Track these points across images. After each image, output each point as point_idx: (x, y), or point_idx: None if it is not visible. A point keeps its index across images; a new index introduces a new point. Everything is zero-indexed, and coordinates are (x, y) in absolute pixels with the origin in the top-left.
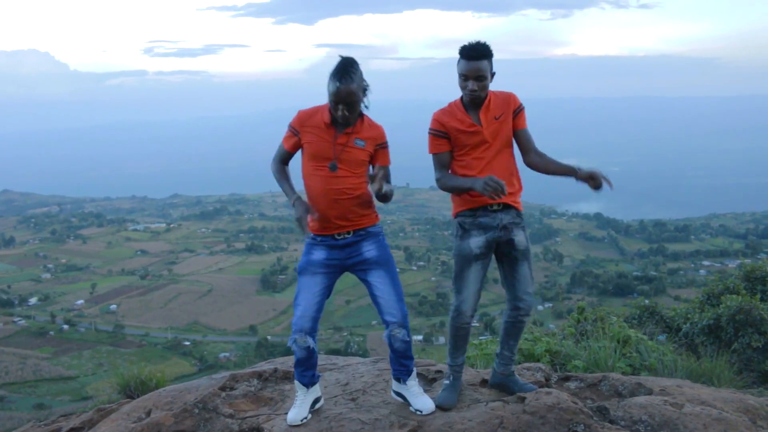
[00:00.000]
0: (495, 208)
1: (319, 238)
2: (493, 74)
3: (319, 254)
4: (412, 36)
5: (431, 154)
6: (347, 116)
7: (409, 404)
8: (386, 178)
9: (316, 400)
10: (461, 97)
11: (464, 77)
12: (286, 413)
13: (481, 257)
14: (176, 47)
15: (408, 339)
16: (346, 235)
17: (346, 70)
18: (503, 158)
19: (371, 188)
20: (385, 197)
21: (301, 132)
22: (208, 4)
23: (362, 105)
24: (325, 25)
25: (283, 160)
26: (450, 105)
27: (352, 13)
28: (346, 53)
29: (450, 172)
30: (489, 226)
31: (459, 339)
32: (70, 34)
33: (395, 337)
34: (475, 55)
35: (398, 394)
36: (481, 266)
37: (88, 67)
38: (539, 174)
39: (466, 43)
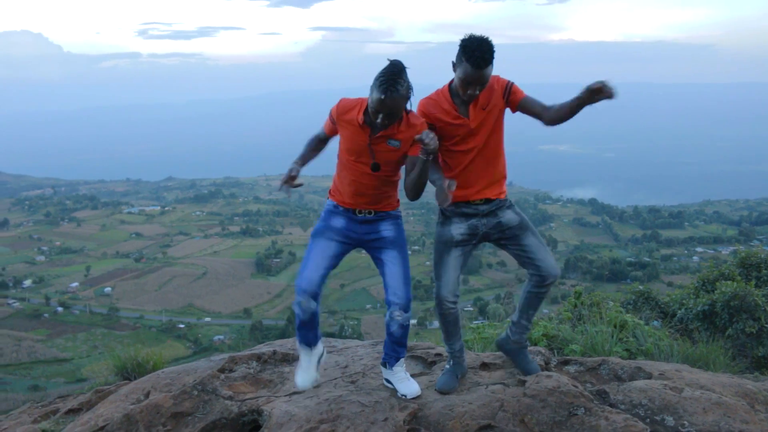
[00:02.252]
0: (477, 201)
1: (341, 209)
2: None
3: (338, 222)
4: (408, 19)
5: None
6: (386, 125)
7: (395, 389)
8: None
9: (320, 356)
10: (449, 85)
11: (466, 82)
12: (287, 395)
13: (462, 243)
14: (170, 29)
15: (407, 324)
16: (367, 214)
17: (394, 80)
18: (491, 146)
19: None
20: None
21: (338, 122)
22: None
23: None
24: (321, 8)
25: (322, 140)
26: (437, 93)
27: None
28: (342, 37)
29: (436, 161)
30: (471, 215)
31: (449, 325)
32: (63, 16)
33: (395, 320)
34: (484, 63)
35: (388, 381)
36: (461, 253)
37: (82, 49)
38: (533, 160)
39: (473, 42)
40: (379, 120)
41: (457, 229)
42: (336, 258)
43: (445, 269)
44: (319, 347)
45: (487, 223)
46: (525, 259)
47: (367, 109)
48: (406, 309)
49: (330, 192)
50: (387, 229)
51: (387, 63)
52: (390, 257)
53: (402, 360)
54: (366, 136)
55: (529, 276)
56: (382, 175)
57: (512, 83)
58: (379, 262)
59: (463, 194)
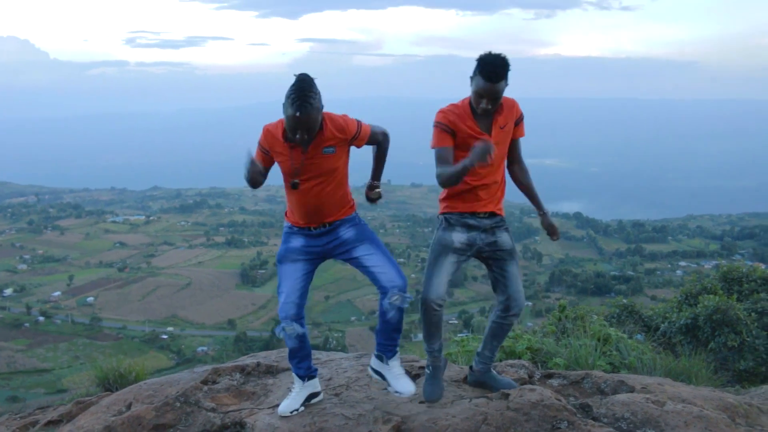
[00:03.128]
0: (482, 214)
1: (295, 228)
2: (506, 85)
3: (297, 241)
4: (395, 32)
5: (434, 149)
6: (306, 139)
7: (388, 385)
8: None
9: (314, 395)
10: (469, 100)
11: (479, 95)
12: (270, 407)
13: (459, 251)
14: (158, 38)
15: (404, 307)
16: (322, 228)
17: (305, 95)
18: (501, 164)
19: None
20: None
21: (270, 151)
22: None
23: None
24: (309, 20)
25: (262, 173)
26: (459, 107)
27: (337, 8)
28: (330, 48)
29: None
30: (473, 227)
31: (431, 326)
32: (50, 22)
33: (393, 304)
34: (496, 78)
35: (377, 372)
36: (456, 260)
37: (69, 56)
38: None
39: (488, 56)
40: (298, 136)
41: (459, 237)
42: (307, 276)
43: (437, 271)
44: (315, 385)
45: (485, 239)
46: (500, 284)
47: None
48: (403, 290)
49: (285, 214)
50: (346, 232)
51: (294, 79)
52: (363, 251)
53: (398, 354)
54: (300, 153)
55: (497, 303)
56: (323, 185)
57: (523, 117)
58: (354, 261)
59: (472, 206)
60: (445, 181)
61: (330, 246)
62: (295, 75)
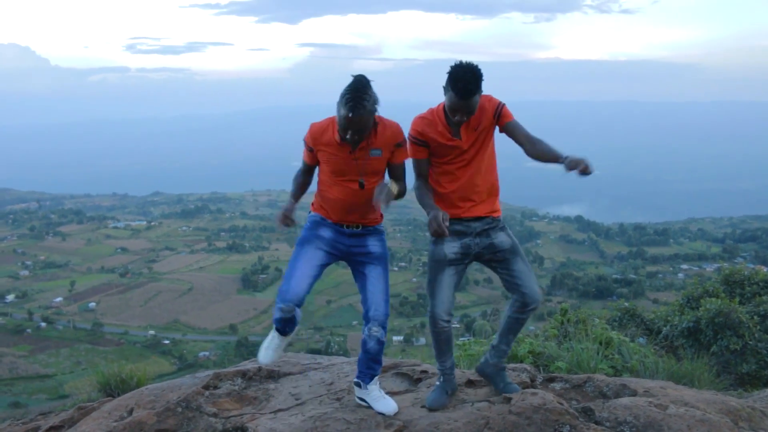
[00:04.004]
0: (469, 219)
1: (328, 221)
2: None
3: (327, 232)
4: (395, 37)
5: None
6: (357, 140)
7: (372, 408)
8: (401, 177)
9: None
10: (443, 105)
11: (453, 110)
12: (272, 412)
13: (455, 262)
14: (159, 44)
15: (383, 340)
16: (355, 228)
17: (360, 96)
18: (482, 164)
19: (377, 202)
20: (398, 196)
21: (315, 149)
22: (191, 2)
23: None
24: (309, 25)
25: (306, 171)
26: (431, 113)
27: (336, 12)
28: (330, 53)
29: (429, 180)
30: (463, 233)
31: (441, 343)
32: (51, 29)
33: (372, 335)
34: (468, 94)
35: (362, 399)
36: (455, 271)
37: (70, 63)
38: (520, 177)
39: (458, 71)
40: (349, 137)
41: (450, 248)
42: (322, 267)
43: (439, 288)
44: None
45: (480, 243)
46: (511, 284)
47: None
48: (383, 325)
49: (313, 206)
50: (374, 245)
51: (351, 79)
52: (375, 273)
53: (376, 378)
54: (347, 152)
55: (512, 300)
56: (369, 189)
57: (503, 105)
58: (361, 276)
59: (455, 212)
60: (418, 200)
61: (354, 250)
62: (352, 76)
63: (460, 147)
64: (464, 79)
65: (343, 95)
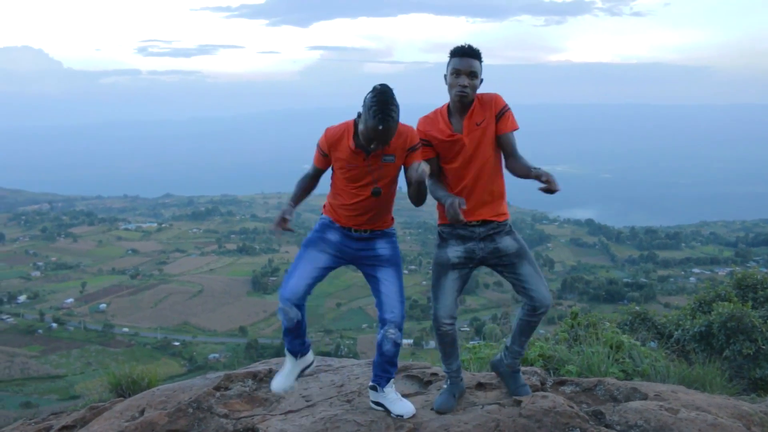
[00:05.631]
0: (473, 223)
1: (337, 225)
2: (481, 80)
3: (334, 236)
4: (406, 40)
5: None
6: (379, 149)
7: (388, 411)
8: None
9: (306, 366)
10: (447, 104)
11: (456, 72)
12: (282, 413)
13: (459, 266)
14: (170, 47)
15: (399, 342)
16: (363, 233)
17: (389, 108)
18: (487, 165)
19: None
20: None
21: (330, 154)
22: (202, 4)
23: None
24: (320, 28)
25: (314, 176)
26: (434, 112)
27: (347, 15)
28: (340, 56)
29: (440, 179)
30: (468, 237)
31: (446, 345)
32: (63, 32)
33: (388, 338)
34: (470, 53)
35: (377, 403)
36: (458, 275)
37: (82, 65)
38: (530, 181)
39: (459, 48)
40: (373, 146)
41: (454, 252)
42: (325, 270)
43: (441, 291)
44: (308, 358)
45: (485, 247)
46: (520, 288)
47: (355, 133)
48: (400, 327)
49: (324, 208)
50: (383, 247)
51: (375, 88)
52: (386, 275)
53: (392, 381)
54: (362, 159)
55: (523, 304)
56: (383, 195)
57: (508, 109)
58: (373, 280)
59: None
60: (432, 195)
61: (362, 254)
62: (377, 86)
63: (461, 140)
64: (464, 44)
65: (369, 106)
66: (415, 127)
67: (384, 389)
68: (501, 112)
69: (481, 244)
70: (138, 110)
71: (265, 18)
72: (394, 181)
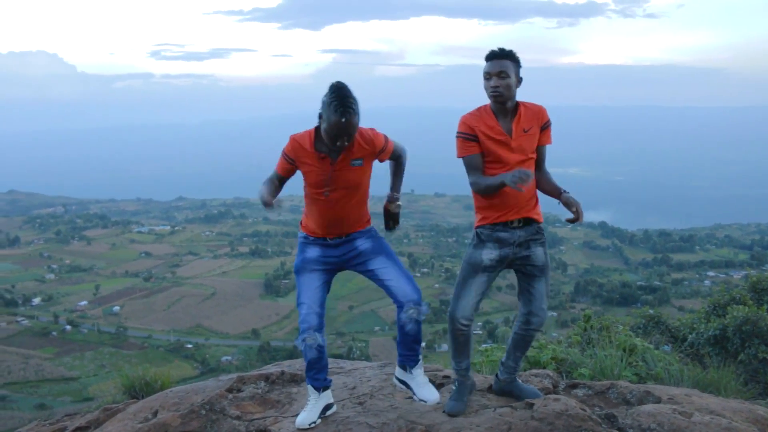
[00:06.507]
0: (515, 224)
1: (311, 238)
2: (520, 80)
3: (313, 252)
4: (418, 42)
5: (461, 158)
6: (346, 146)
7: (413, 393)
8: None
9: (328, 407)
10: (490, 104)
11: (487, 76)
12: (294, 416)
13: (490, 269)
14: (183, 51)
15: (420, 320)
16: (338, 239)
17: (347, 100)
18: (531, 170)
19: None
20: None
21: (296, 161)
22: (215, 8)
23: None
24: (332, 31)
25: (278, 182)
26: (479, 109)
27: (359, 19)
28: (352, 59)
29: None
30: (506, 242)
31: (458, 344)
32: (78, 37)
33: (410, 317)
34: (498, 54)
35: (402, 381)
36: (487, 278)
37: (96, 69)
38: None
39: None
40: (339, 143)
41: (489, 254)
42: (325, 285)
43: (466, 291)
44: (328, 396)
45: (518, 253)
46: (525, 297)
47: (317, 138)
48: (418, 302)
49: (301, 224)
50: (363, 243)
51: (332, 85)
52: (379, 263)
53: (421, 362)
54: (328, 165)
55: (519, 314)
56: (347, 197)
57: (551, 124)
58: (370, 273)
59: (498, 215)
60: (481, 191)
61: (346, 257)
62: (332, 83)
63: (508, 143)
64: (495, 48)
65: (329, 103)
66: (424, 128)
67: (413, 371)
68: (546, 125)
69: (516, 249)
70: (151, 114)
71: (277, 21)
72: (363, 185)
